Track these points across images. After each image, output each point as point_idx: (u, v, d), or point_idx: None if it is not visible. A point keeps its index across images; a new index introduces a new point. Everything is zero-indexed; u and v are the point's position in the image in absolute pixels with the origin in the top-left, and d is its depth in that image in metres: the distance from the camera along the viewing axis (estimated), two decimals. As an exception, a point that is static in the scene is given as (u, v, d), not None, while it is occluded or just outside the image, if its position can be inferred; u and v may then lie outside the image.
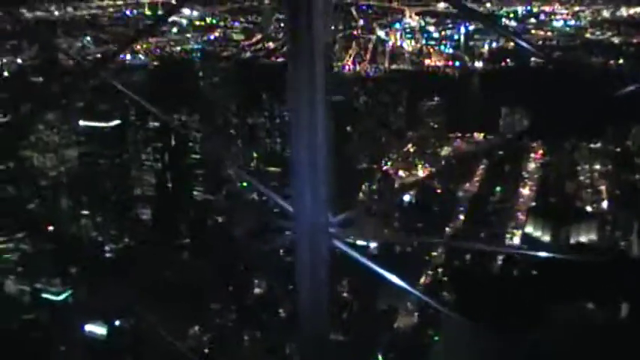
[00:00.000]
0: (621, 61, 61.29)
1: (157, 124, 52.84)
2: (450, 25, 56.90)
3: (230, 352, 43.59)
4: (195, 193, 53.57)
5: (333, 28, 53.71)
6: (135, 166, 54.15)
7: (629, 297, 4.00)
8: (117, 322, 41.27)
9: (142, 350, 37.64)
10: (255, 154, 54.79)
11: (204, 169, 53.48)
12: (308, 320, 3.68)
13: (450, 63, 58.73)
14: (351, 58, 56.02)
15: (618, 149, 55.35)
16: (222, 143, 55.71)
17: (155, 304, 33.16)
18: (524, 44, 3.08)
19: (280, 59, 59.37)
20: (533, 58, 54.33)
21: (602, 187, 53.81)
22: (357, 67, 56.21)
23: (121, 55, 56.66)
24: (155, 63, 64.77)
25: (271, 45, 63.36)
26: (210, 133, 56.06)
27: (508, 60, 58.16)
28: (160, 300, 35.00)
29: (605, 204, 52.41)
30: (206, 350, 43.19)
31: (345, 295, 47.42)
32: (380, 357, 43.32)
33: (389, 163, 53.72)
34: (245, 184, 52.39)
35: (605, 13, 64.11)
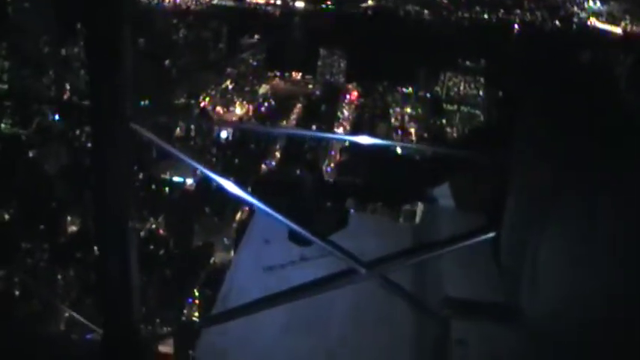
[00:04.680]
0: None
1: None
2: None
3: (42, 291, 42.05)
4: (2, 125, 50.20)
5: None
6: None
7: None
8: None
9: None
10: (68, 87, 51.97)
11: (12, 100, 50.26)
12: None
13: (272, 1, 58.95)
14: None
15: (428, 95, 59.08)
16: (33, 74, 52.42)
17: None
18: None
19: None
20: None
21: (412, 130, 57.43)
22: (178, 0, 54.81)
23: None
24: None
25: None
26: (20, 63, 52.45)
27: (329, 2, 59.52)
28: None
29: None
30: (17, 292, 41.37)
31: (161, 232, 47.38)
32: (196, 292, 43.99)
33: (207, 100, 53.41)
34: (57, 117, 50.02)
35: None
